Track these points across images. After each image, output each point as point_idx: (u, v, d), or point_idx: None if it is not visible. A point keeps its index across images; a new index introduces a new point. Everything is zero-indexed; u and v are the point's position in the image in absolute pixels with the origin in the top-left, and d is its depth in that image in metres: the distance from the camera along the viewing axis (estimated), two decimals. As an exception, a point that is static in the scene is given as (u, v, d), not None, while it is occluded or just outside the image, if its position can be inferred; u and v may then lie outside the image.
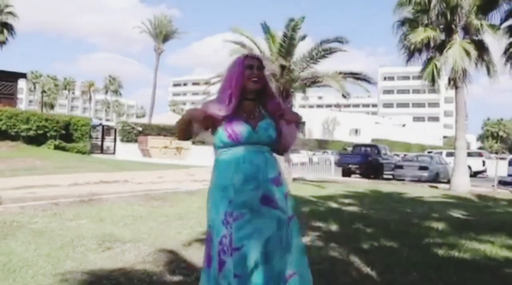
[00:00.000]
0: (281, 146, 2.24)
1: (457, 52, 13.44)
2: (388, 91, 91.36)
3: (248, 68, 2.18)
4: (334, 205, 8.13)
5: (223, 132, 2.10)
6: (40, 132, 20.74)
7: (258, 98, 2.23)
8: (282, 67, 13.07)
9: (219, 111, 2.10)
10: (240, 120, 2.12)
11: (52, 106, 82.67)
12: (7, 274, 3.24)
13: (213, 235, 2.07)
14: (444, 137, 75.32)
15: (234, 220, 2.00)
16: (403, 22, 14.80)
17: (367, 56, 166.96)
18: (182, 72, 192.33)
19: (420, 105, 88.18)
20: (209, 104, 2.18)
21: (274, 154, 2.24)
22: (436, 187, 14.69)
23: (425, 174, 18.04)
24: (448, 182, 15.53)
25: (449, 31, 14.24)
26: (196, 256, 3.97)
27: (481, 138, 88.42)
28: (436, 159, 19.73)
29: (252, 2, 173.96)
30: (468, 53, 13.46)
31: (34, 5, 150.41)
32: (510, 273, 3.88)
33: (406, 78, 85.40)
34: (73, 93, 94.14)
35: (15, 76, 25.63)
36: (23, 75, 28.18)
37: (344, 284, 3.31)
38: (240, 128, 2.10)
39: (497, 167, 15.17)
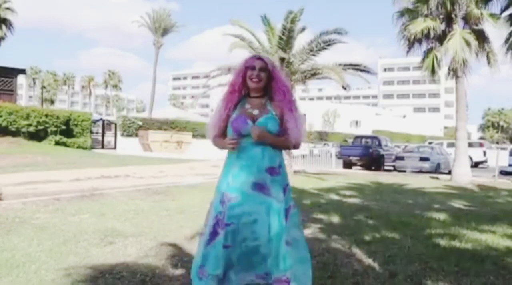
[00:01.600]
0: (289, 140, 2.43)
1: (457, 42, 13.35)
2: (388, 82, 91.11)
3: (250, 69, 2.44)
4: (335, 197, 8.14)
5: (230, 127, 2.45)
6: (40, 128, 20.73)
7: (267, 94, 2.49)
8: (282, 60, 13.01)
9: (220, 123, 2.48)
10: (243, 116, 2.43)
11: (52, 102, 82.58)
12: (10, 269, 3.25)
13: (211, 210, 2.41)
14: (445, 127, 75.24)
15: (229, 201, 2.33)
16: (402, 13, 14.68)
17: (367, 47, 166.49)
18: (182, 66, 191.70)
19: (420, 96, 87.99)
20: (216, 109, 2.54)
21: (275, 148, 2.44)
22: (437, 178, 14.69)
23: (426, 165, 18.02)
24: (449, 172, 15.54)
25: (449, 21, 14.14)
26: (198, 249, 3.99)
27: (481, 128, 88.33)
28: (437, 150, 19.72)
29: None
30: (468, 43, 13.38)
31: (33, 0, 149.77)
32: (511, 262, 3.89)
33: (406, 69, 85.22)
34: (73, 88, 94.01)
35: (14, 72, 25.56)
36: (23, 71, 28.08)
37: (346, 276, 3.32)
38: (242, 123, 2.40)
39: (498, 157, 15.15)
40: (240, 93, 2.48)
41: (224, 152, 2.53)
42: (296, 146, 2.50)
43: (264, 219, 2.28)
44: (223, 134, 2.49)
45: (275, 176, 2.37)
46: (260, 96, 2.48)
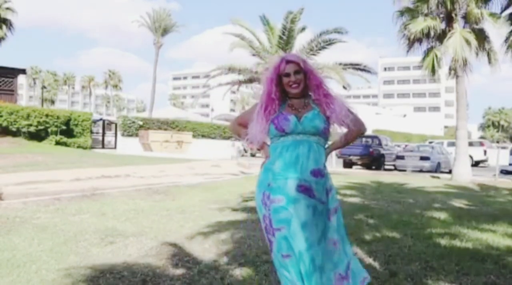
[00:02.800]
0: (352, 129, 2.37)
1: (457, 41, 13.35)
2: (389, 82, 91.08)
3: (285, 76, 2.30)
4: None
5: (272, 125, 2.29)
6: (41, 127, 20.74)
7: (306, 93, 2.36)
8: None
9: (259, 133, 2.32)
10: (287, 113, 2.29)
11: (52, 102, 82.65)
12: (11, 269, 3.26)
13: (258, 211, 2.31)
14: (445, 127, 75.20)
15: (271, 202, 2.19)
16: (402, 12, 14.67)
17: (367, 47, 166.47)
18: (182, 65, 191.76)
19: (420, 95, 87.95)
20: (253, 123, 2.35)
21: (324, 148, 2.35)
22: (438, 177, 14.68)
23: (426, 164, 18.01)
24: (450, 172, 15.53)
25: (449, 20, 14.13)
26: (198, 249, 3.98)
27: (482, 127, 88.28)
28: (437, 149, 19.70)
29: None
30: (468, 42, 13.37)
31: (34, 0, 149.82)
32: (512, 261, 3.88)
33: (407, 68, 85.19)
34: (73, 88, 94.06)
35: (14, 72, 25.57)
36: (23, 71, 28.08)
37: (346, 275, 3.31)
38: (286, 121, 2.26)
39: (498, 157, 15.14)
40: (279, 100, 2.33)
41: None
42: (361, 130, 2.45)
43: (312, 222, 2.17)
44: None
45: (319, 179, 2.24)
46: (301, 97, 2.35)
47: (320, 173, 2.25)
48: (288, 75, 2.29)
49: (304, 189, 2.18)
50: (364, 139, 22.06)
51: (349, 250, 2.38)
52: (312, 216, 2.18)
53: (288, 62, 2.31)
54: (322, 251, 2.19)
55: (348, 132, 2.41)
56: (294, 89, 2.30)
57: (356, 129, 2.41)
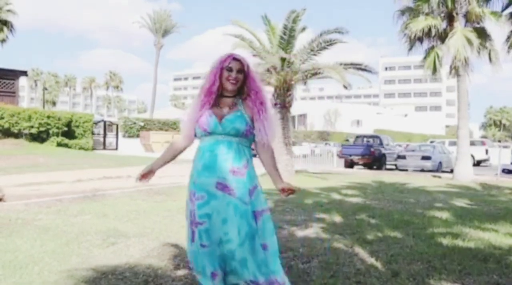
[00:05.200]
0: (259, 141, 2.40)
1: (459, 40, 13.33)
2: (390, 81, 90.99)
3: (227, 70, 2.37)
4: (337, 196, 8.14)
5: (196, 124, 2.40)
6: (42, 129, 20.79)
7: (239, 94, 2.44)
8: (283, 60, 13.00)
9: (192, 120, 2.41)
10: (210, 113, 2.37)
11: (53, 103, 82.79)
12: (13, 270, 3.26)
13: (186, 209, 2.44)
14: (447, 126, 75.09)
15: (197, 199, 2.33)
16: (403, 11, 14.67)
17: (368, 46, 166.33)
18: (183, 66, 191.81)
19: (422, 94, 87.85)
20: (190, 109, 2.47)
21: (248, 148, 2.40)
22: (439, 177, 14.66)
23: (428, 164, 17.99)
24: (451, 171, 15.51)
25: (450, 19, 14.12)
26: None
27: (483, 126, 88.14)
28: (438, 149, 19.67)
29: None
30: (470, 41, 13.35)
31: (34, 2, 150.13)
32: (514, 261, 3.87)
33: (407, 67, 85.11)
34: (74, 89, 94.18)
35: (16, 74, 25.63)
36: (24, 73, 28.15)
37: (348, 275, 3.31)
38: (207, 120, 2.35)
39: (500, 156, 15.12)
40: (216, 94, 2.40)
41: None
42: (263, 145, 2.43)
43: (233, 220, 2.24)
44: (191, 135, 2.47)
45: (239, 177, 2.29)
46: (233, 96, 2.43)
47: (239, 172, 2.30)
48: (230, 69, 2.37)
49: (222, 187, 2.28)
50: (365, 139, 22.10)
51: (275, 266, 2.29)
52: (233, 216, 2.25)
53: (235, 59, 2.39)
54: (242, 254, 2.23)
55: (262, 153, 2.44)
56: (231, 85, 2.37)
57: (265, 148, 2.43)
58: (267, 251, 2.28)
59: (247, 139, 2.38)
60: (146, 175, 2.59)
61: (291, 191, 2.37)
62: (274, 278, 2.26)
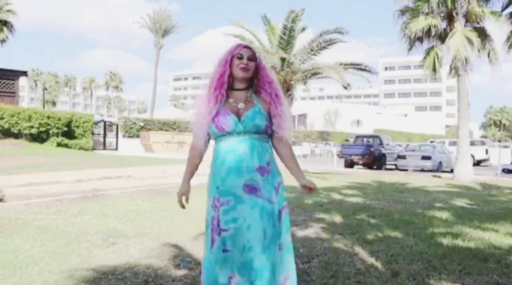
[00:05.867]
0: (279, 136, 2.27)
1: (459, 40, 13.33)
2: (390, 81, 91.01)
3: (238, 57, 2.24)
4: (337, 196, 8.14)
5: (213, 124, 2.23)
6: (42, 129, 20.79)
7: (251, 86, 2.30)
8: (282, 60, 13.02)
9: (207, 115, 2.23)
10: (226, 111, 2.22)
11: (53, 103, 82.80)
12: (13, 271, 3.26)
13: (207, 217, 2.25)
14: (447, 126, 75.13)
15: (221, 205, 2.17)
16: (403, 11, 14.67)
17: (368, 46, 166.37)
18: (183, 66, 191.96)
19: (422, 94, 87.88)
20: (199, 106, 2.30)
21: (268, 143, 2.27)
22: (439, 177, 14.66)
23: (428, 163, 17.99)
24: (451, 171, 15.51)
25: (450, 19, 14.12)
26: (200, 250, 3.98)
27: (483, 126, 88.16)
28: (438, 149, 19.67)
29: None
30: (470, 41, 13.35)
31: (35, 3, 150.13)
32: (514, 261, 3.87)
33: (407, 67, 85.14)
34: (74, 89, 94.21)
35: (16, 74, 25.64)
36: (24, 73, 28.17)
37: (348, 275, 3.31)
38: (225, 120, 2.20)
39: (500, 155, 15.11)
40: (228, 84, 2.26)
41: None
42: (281, 139, 2.31)
43: (257, 225, 2.13)
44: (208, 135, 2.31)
45: (265, 176, 2.19)
46: (245, 88, 2.28)
47: (265, 170, 2.19)
48: (241, 57, 2.24)
49: (250, 189, 2.15)
50: (365, 139, 22.11)
51: (290, 264, 2.24)
52: (258, 219, 2.13)
53: (245, 47, 2.29)
54: (261, 263, 2.11)
55: (283, 149, 2.33)
56: (242, 72, 2.23)
57: (284, 142, 2.30)
58: (282, 251, 2.20)
59: (267, 134, 2.26)
60: (185, 196, 2.43)
61: (312, 189, 2.29)
62: (283, 278, 2.19)
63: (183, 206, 2.41)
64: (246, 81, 2.28)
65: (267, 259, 2.12)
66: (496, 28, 13.89)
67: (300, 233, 4.80)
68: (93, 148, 23.51)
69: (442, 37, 14.13)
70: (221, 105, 2.24)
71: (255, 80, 2.30)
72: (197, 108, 2.31)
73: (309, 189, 2.30)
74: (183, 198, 2.41)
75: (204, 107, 2.25)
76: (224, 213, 2.15)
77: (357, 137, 23.43)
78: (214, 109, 2.22)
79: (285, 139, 2.29)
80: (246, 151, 2.18)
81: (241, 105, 2.24)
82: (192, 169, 2.42)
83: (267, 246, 2.13)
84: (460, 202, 7.76)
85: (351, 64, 14.38)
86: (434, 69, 14.39)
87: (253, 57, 2.26)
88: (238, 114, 2.21)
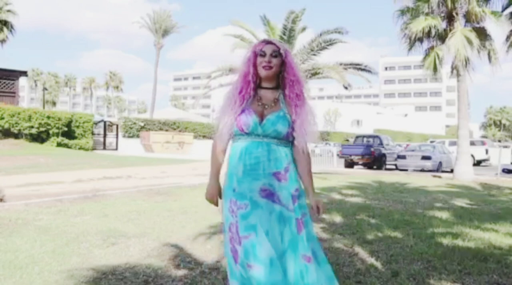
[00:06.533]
0: (297, 145, 2.14)
1: (459, 40, 13.34)
2: (390, 81, 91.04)
3: (261, 55, 2.13)
4: (337, 196, 8.14)
5: (234, 122, 2.13)
6: (42, 129, 20.80)
7: (280, 86, 2.18)
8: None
9: (232, 115, 2.13)
10: (250, 111, 2.11)
11: (54, 103, 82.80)
12: (13, 271, 3.26)
13: (225, 222, 2.12)
14: (447, 126, 75.16)
15: (238, 209, 2.03)
16: (403, 11, 14.67)
17: (368, 46, 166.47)
18: (185, 66, 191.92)
19: (422, 94, 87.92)
20: (225, 104, 2.19)
21: (288, 148, 2.14)
22: (440, 177, 14.66)
23: (428, 163, 17.99)
24: (451, 171, 15.51)
25: (450, 19, 14.12)
26: (200, 250, 3.99)
27: (484, 126, 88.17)
28: (439, 149, 19.68)
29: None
30: (470, 41, 13.35)
31: (35, 3, 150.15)
32: (514, 261, 3.88)
33: (408, 67, 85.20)
34: (74, 90, 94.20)
35: (16, 74, 25.67)
36: (24, 73, 28.17)
37: (349, 275, 3.31)
38: (246, 120, 2.09)
39: (500, 155, 15.12)
40: (255, 84, 2.14)
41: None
42: (301, 148, 2.16)
43: (275, 231, 2.01)
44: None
45: (282, 182, 2.07)
46: (273, 88, 2.17)
47: (283, 177, 2.08)
48: (263, 54, 2.12)
49: (266, 194, 2.05)
50: (365, 139, 22.11)
51: (329, 271, 2.08)
52: (276, 224, 2.03)
53: (268, 43, 2.16)
54: (285, 267, 1.97)
55: (299, 161, 2.16)
56: (264, 70, 2.11)
57: (299, 150, 2.15)
58: (310, 263, 2.00)
59: (288, 140, 2.13)
60: (216, 195, 2.27)
61: (319, 210, 2.17)
62: None
63: (216, 204, 2.27)
64: (273, 79, 2.16)
65: (289, 266, 1.98)
66: (496, 28, 13.90)
67: (300, 233, 4.79)
68: (93, 148, 23.52)
69: (442, 37, 14.14)
70: (248, 103, 2.14)
71: (281, 78, 2.16)
72: (223, 106, 2.20)
73: (317, 210, 2.18)
74: (216, 198, 2.27)
75: (230, 107, 2.15)
76: (242, 218, 2.01)
77: (357, 137, 23.43)
78: (239, 109, 2.12)
79: (301, 146, 2.15)
80: (263, 154, 2.07)
81: (267, 106, 2.13)
82: (217, 166, 2.27)
83: (284, 251, 2.01)
84: (460, 202, 7.75)
85: (351, 64, 14.39)
86: (434, 69, 14.40)
87: (277, 53, 2.13)
88: (261, 116, 2.10)
